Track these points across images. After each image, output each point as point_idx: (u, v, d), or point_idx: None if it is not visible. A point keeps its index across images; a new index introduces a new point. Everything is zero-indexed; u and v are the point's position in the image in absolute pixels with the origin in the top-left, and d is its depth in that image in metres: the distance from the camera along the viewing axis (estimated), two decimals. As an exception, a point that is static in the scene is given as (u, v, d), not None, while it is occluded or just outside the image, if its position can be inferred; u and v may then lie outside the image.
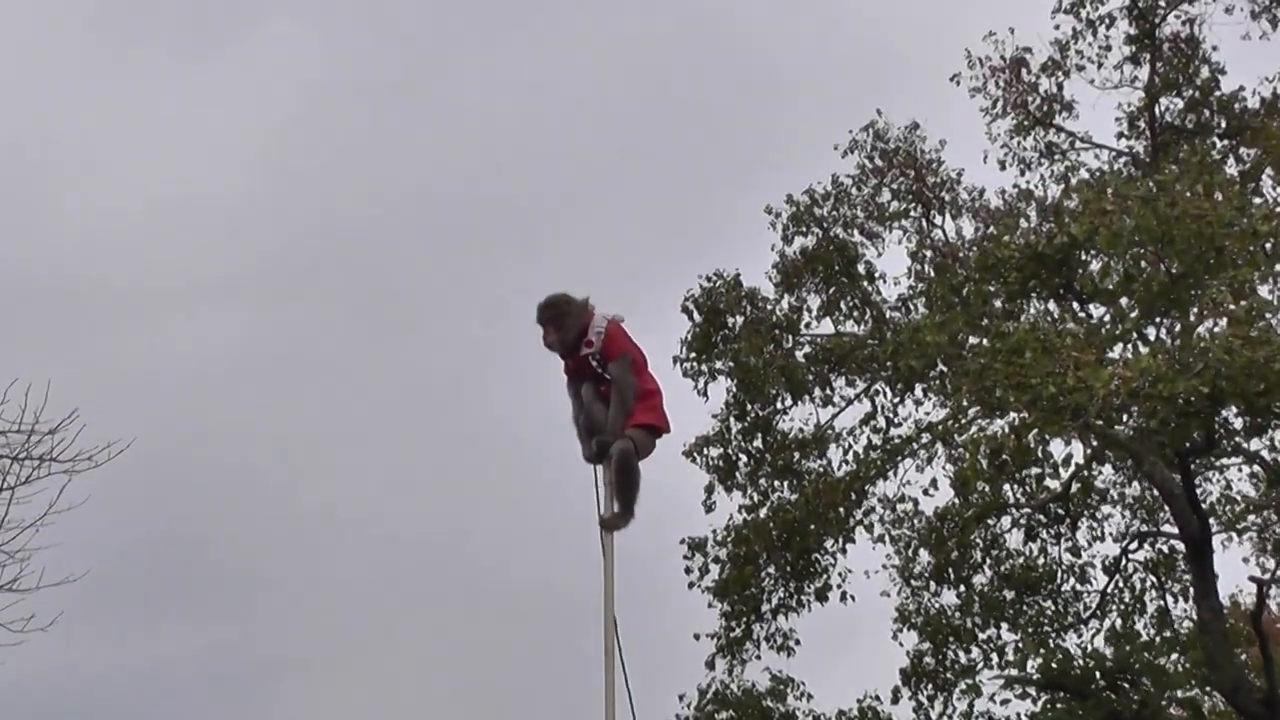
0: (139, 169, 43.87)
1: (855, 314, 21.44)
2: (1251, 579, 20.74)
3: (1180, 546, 20.60)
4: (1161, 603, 21.76)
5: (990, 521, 21.43)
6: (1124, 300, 17.13)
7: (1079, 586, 21.67)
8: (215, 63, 45.20)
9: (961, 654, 21.38)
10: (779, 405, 21.31)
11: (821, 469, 21.23)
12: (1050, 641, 20.99)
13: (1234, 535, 21.67)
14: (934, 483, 20.73)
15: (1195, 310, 16.57)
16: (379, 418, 39.91)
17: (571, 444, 9.19)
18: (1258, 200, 18.12)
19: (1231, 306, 15.63)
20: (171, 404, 37.19)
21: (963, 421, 19.46)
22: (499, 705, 32.45)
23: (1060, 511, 21.45)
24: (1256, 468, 20.91)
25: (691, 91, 45.16)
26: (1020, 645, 20.94)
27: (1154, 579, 21.89)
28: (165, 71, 44.75)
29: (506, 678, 33.21)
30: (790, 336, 21.39)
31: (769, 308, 21.35)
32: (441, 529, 37.09)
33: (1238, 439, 18.59)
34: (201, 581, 34.89)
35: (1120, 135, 21.73)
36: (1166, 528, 21.33)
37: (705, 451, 21.39)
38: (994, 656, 21.17)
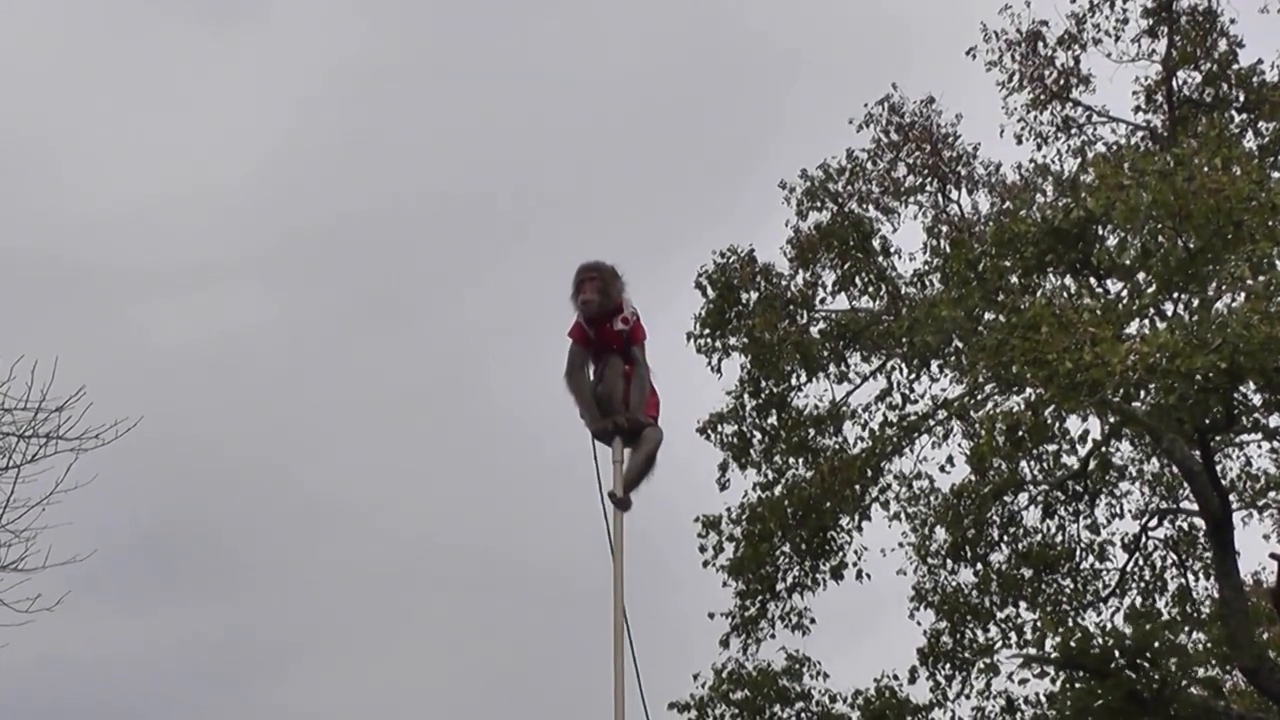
0: (151, 152, 43.78)
1: (870, 289, 21.34)
2: (1273, 556, 20.49)
3: (1200, 524, 20.45)
4: (1182, 581, 21.66)
5: (1007, 499, 21.32)
6: (1141, 275, 16.98)
7: (1098, 564, 21.58)
8: (228, 46, 45.07)
9: (979, 633, 21.31)
10: (794, 381, 21.23)
11: (837, 446, 21.14)
12: (1069, 620, 20.85)
13: (1255, 512, 21.54)
14: (950, 459, 20.72)
15: (1213, 285, 16.41)
16: (386, 402, 39.86)
17: (574, 424, 9.08)
18: (1276, 174, 17.94)
19: (1250, 281, 15.46)
20: (180, 384, 37.15)
21: (979, 398, 19.38)
22: (506, 687, 32.48)
23: (1078, 488, 21.33)
24: (1277, 444, 20.76)
25: (704, 66, 44.94)
26: (1039, 624, 20.80)
27: (1174, 557, 21.78)
28: (180, 54, 44.64)
29: (514, 660, 33.19)
30: (805, 312, 21.30)
31: (783, 283, 21.26)
32: (445, 516, 37.07)
33: (1257, 415, 18.44)
34: (209, 563, 34.93)
35: (1137, 109, 21.50)
36: (1186, 505, 21.19)
37: (719, 428, 21.34)
38: (1012, 635, 21.04)
